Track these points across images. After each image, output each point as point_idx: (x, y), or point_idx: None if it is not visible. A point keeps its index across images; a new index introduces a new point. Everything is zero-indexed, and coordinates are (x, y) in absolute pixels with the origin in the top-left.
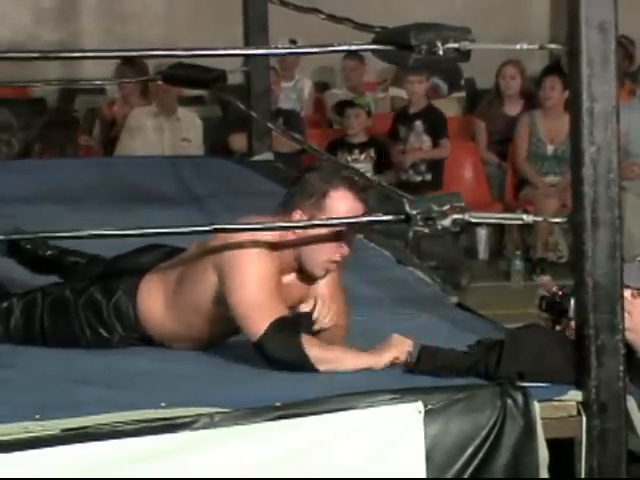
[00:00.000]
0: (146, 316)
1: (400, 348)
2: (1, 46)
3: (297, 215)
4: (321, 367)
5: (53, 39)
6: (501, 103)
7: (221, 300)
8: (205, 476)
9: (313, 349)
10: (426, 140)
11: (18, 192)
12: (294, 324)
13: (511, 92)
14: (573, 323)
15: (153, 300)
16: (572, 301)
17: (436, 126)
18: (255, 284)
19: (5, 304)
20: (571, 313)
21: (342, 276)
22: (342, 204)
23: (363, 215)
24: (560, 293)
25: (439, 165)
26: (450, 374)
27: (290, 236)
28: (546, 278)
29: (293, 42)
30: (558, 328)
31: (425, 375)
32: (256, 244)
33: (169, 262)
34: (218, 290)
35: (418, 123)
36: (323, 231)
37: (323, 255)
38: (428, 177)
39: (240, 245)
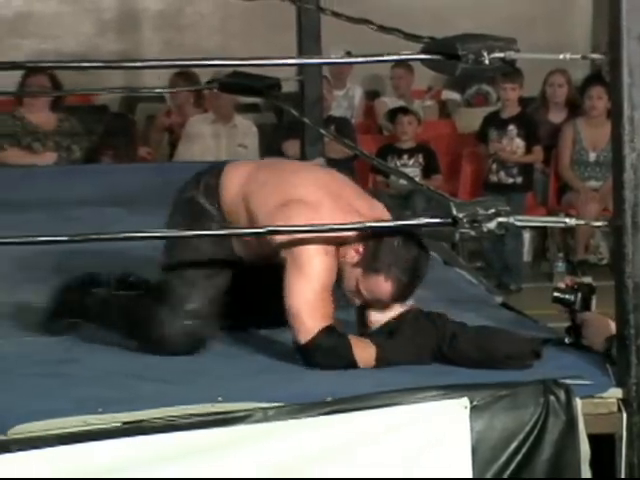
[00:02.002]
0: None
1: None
2: (66, 56)
3: (358, 245)
4: (364, 366)
5: (115, 49)
6: (547, 110)
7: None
8: (259, 468)
9: (358, 353)
10: (520, 144)
11: (82, 196)
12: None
13: (558, 100)
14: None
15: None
16: (579, 295)
17: (530, 132)
18: (316, 284)
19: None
20: (577, 306)
21: None
22: (376, 292)
23: (412, 218)
24: (571, 287)
25: (530, 169)
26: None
27: (352, 256)
28: (587, 280)
29: (348, 53)
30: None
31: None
32: (325, 239)
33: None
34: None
35: (511, 128)
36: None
37: (349, 284)
38: (519, 180)
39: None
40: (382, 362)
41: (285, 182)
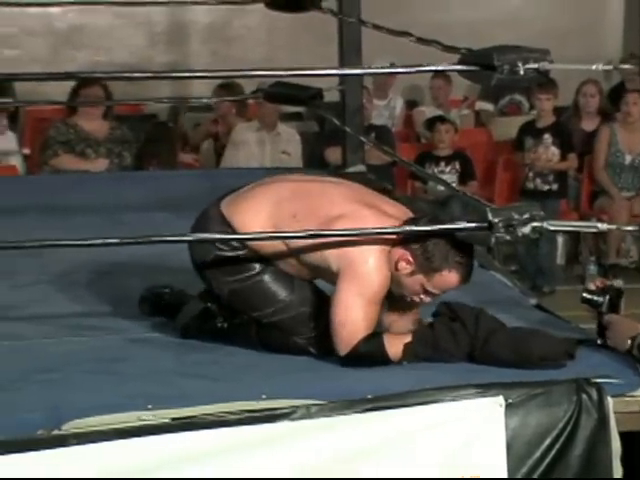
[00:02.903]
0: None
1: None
2: (118, 67)
3: (406, 254)
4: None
5: (165, 60)
6: (579, 119)
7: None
8: (302, 462)
9: (391, 349)
10: (555, 152)
11: (132, 201)
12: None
13: (590, 109)
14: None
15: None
16: (607, 297)
17: (564, 140)
18: (367, 297)
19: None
20: (604, 308)
21: None
22: (446, 286)
23: (449, 222)
24: (600, 289)
25: (565, 176)
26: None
27: (405, 267)
28: (618, 283)
29: (392, 64)
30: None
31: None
32: (379, 251)
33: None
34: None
35: (547, 136)
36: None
37: (414, 290)
38: (555, 186)
39: (361, 248)
40: (410, 358)
41: (317, 205)
